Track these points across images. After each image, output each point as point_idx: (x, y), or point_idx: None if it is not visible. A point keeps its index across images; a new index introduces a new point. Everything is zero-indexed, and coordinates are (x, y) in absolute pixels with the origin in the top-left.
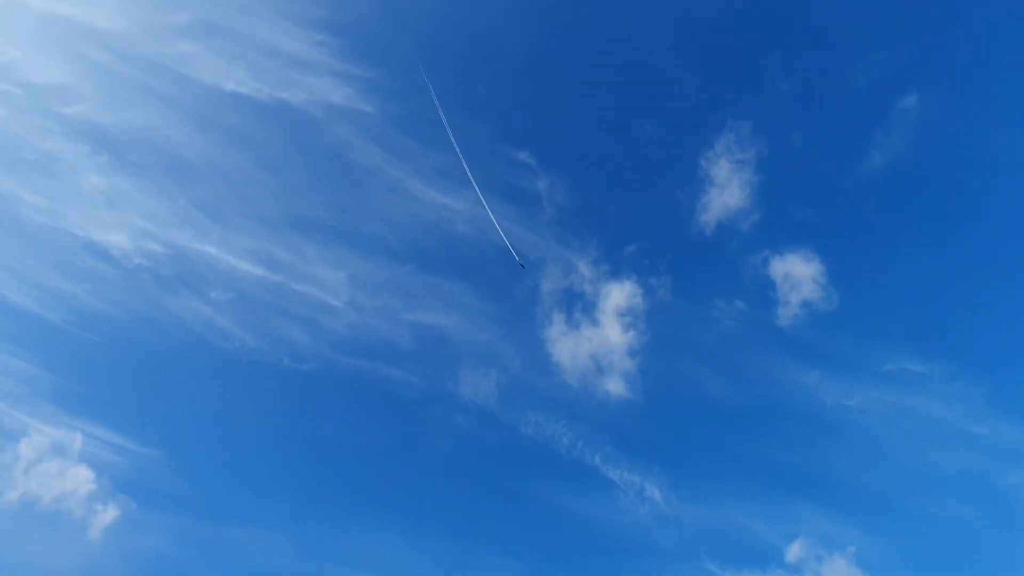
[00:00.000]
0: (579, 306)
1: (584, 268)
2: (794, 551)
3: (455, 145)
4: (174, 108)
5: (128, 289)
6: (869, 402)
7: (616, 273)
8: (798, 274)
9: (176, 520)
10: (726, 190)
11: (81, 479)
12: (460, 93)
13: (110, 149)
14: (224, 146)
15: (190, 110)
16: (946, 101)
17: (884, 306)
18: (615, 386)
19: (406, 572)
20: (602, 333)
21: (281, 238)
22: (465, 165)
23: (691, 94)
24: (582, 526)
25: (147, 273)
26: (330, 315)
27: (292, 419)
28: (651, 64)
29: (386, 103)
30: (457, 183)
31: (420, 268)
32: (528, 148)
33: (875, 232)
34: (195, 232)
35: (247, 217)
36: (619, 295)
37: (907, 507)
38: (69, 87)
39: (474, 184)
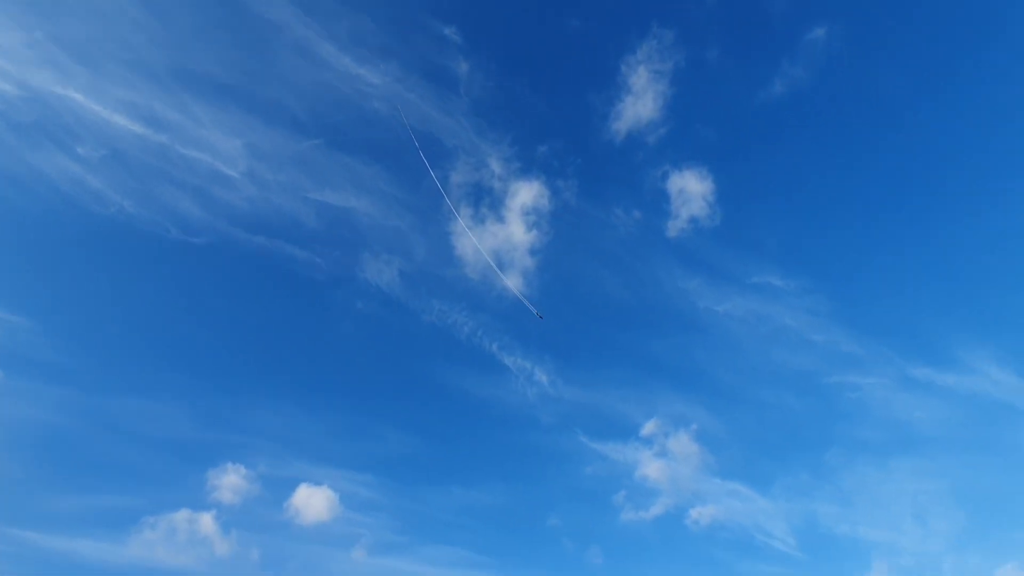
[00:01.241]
0: (487, 201)
1: (495, 164)
2: (649, 427)
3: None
4: None
5: None
6: (734, 308)
7: (526, 172)
8: (691, 191)
9: (56, 390)
10: (640, 100)
11: None
12: None
13: None
14: None
15: None
16: (851, 39)
17: (760, 227)
18: (514, 282)
19: (305, 441)
20: (507, 230)
21: (165, 92)
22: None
23: None
24: (476, 404)
25: None
26: (225, 186)
27: (184, 293)
28: None
29: None
30: (374, 53)
31: (329, 144)
32: (455, 24)
33: (763, 158)
34: (57, 74)
35: (122, 63)
36: (527, 194)
37: (747, 396)
38: None
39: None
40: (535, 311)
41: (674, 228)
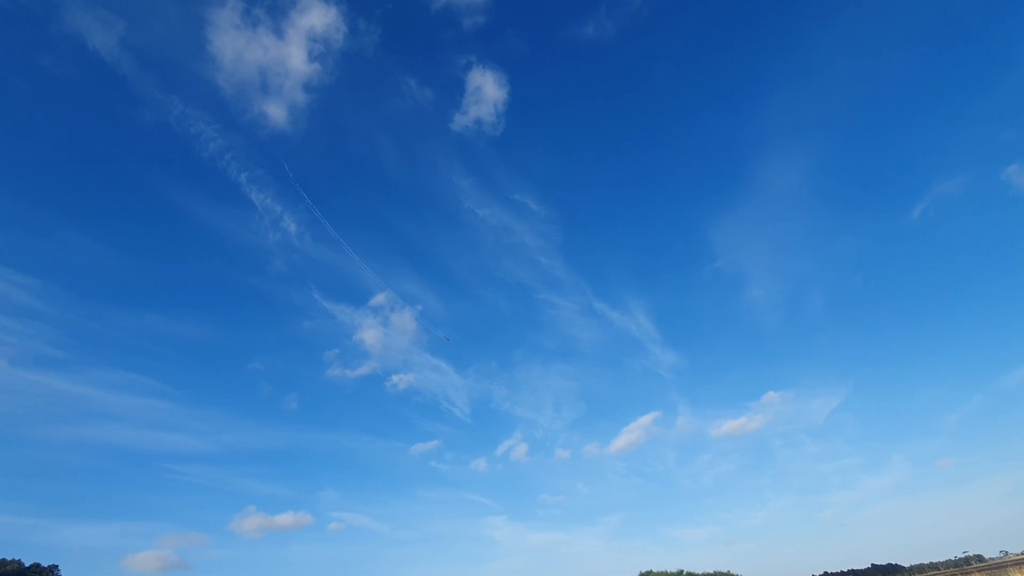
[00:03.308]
0: (267, 3)
1: None
2: (379, 298)
3: None
4: None
5: None
6: (492, 216)
7: None
8: (487, 92)
9: None
10: None
11: None
12: None
13: None
14: None
15: None
16: (660, 11)
17: (533, 152)
18: (277, 112)
19: None
20: (283, 49)
21: None
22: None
23: None
24: (201, 231)
25: None
26: None
27: None
28: None
29: None
30: None
31: None
32: None
33: (555, 90)
34: None
35: None
36: (319, 17)
37: (473, 292)
38: None
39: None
40: (442, 335)
41: (460, 122)
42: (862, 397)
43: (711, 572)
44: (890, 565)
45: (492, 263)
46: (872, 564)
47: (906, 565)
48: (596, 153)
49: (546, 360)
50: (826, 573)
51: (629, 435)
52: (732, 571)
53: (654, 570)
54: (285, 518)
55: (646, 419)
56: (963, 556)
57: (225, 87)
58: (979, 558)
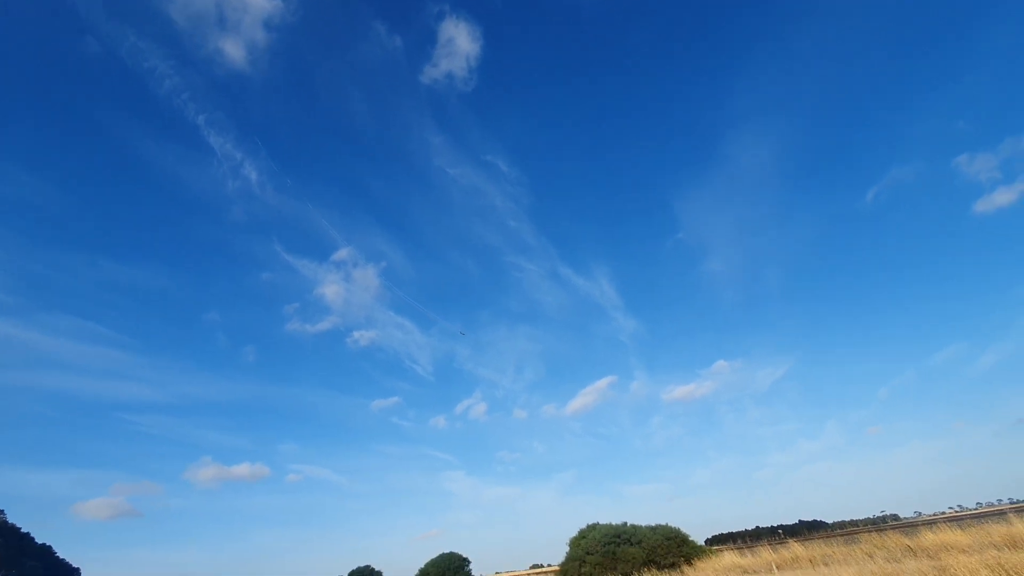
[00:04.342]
0: None
1: None
2: (342, 253)
3: None
4: None
5: None
6: (464, 176)
7: None
8: (460, 45)
9: None
10: None
11: None
12: None
13: None
14: None
15: None
16: None
17: (505, 111)
18: (235, 51)
19: None
20: None
21: None
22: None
23: None
24: (156, 174)
25: None
26: None
27: None
28: None
29: None
30: None
31: None
32: None
33: (533, 50)
34: None
35: None
36: None
37: (441, 252)
38: None
39: None
40: (460, 331)
41: (430, 75)
42: (805, 368)
43: (652, 524)
44: (815, 521)
45: (461, 224)
46: (799, 520)
47: (829, 522)
48: (568, 118)
49: (511, 323)
50: (757, 527)
51: (585, 397)
52: (671, 524)
53: (600, 522)
54: (242, 469)
55: (602, 383)
56: (880, 515)
57: (182, 21)
58: (895, 517)
